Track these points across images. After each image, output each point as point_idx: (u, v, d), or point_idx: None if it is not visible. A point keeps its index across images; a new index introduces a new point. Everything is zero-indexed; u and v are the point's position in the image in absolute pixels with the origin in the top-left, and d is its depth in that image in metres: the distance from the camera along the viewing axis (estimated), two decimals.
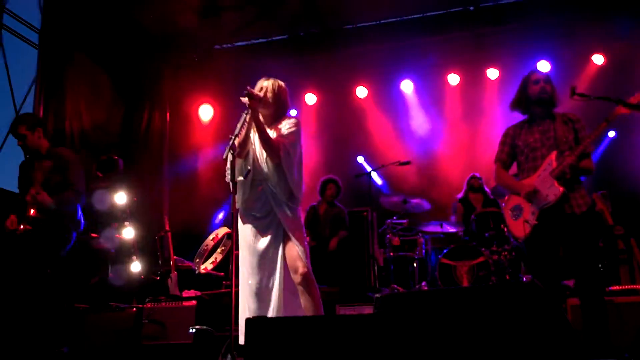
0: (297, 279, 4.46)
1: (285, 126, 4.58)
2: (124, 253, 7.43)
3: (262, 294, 4.51)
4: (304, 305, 4.48)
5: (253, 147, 4.62)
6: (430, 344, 3.39)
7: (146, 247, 7.75)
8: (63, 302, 5.79)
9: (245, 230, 4.62)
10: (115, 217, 7.57)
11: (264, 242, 4.54)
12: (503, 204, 5.05)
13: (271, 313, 4.48)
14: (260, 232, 4.55)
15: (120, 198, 7.59)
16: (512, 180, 4.87)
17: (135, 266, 7.45)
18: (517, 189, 4.76)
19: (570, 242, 4.52)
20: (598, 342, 4.41)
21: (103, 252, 6.98)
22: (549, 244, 4.58)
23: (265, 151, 4.47)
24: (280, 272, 4.51)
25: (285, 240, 4.51)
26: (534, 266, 4.77)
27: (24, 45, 8.44)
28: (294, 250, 4.46)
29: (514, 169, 5.02)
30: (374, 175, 8.53)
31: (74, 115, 8.50)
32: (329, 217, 8.09)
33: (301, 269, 4.42)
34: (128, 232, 7.54)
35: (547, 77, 4.84)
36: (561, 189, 4.49)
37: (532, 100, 4.79)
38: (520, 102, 4.88)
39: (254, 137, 4.62)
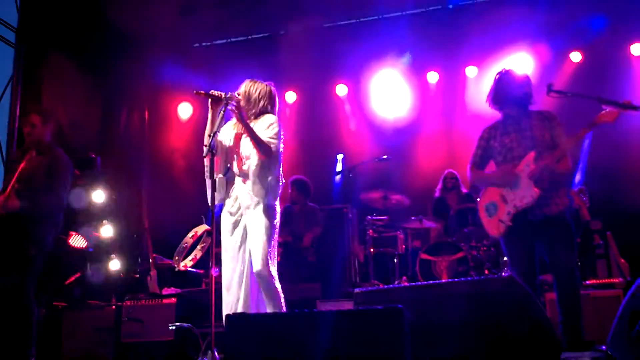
0: (256, 277, 4.52)
1: (267, 124, 4.65)
2: (102, 251, 7.39)
3: (232, 289, 4.60)
4: (266, 303, 4.55)
5: (230, 145, 4.71)
6: (408, 338, 3.41)
7: (125, 245, 7.71)
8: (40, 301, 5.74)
9: (224, 226, 4.71)
10: (93, 216, 7.53)
11: (235, 238, 4.64)
12: (479, 200, 5.07)
13: (239, 308, 4.52)
14: (233, 228, 4.65)
15: (98, 196, 7.55)
16: (487, 173, 4.87)
17: (114, 264, 7.41)
18: (495, 177, 4.76)
19: (547, 241, 4.57)
20: (573, 336, 4.49)
21: (81, 250, 6.93)
22: (524, 242, 4.62)
23: (257, 150, 4.52)
24: (248, 269, 4.58)
25: (252, 238, 4.55)
26: (511, 262, 4.81)
27: (1, 44, 8.37)
28: (257, 249, 4.50)
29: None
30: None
31: (51, 113, 8.42)
32: (303, 214, 8.09)
33: (258, 267, 4.46)
34: (106, 230, 7.50)
35: (523, 77, 4.83)
36: (537, 191, 4.50)
37: (509, 100, 4.77)
38: (496, 100, 4.85)
39: (231, 134, 4.75)
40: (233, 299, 4.58)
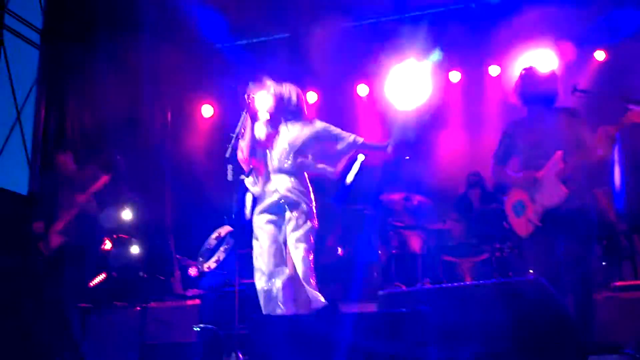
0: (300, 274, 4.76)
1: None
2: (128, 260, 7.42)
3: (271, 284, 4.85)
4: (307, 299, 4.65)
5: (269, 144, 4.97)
6: (432, 339, 3.40)
7: (149, 247, 7.75)
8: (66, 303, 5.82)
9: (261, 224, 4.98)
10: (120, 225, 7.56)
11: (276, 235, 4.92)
12: (505, 199, 5.01)
13: (280, 303, 4.71)
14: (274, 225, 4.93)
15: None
16: (510, 174, 4.80)
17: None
18: (517, 180, 4.70)
19: (565, 236, 4.49)
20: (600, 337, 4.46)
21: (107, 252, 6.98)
22: (551, 243, 4.55)
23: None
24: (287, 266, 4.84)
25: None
26: (537, 262, 4.74)
27: (26, 46, 8.45)
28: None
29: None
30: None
31: (76, 115, 8.51)
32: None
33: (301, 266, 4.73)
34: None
35: (549, 73, 4.77)
36: (566, 190, 4.41)
37: (534, 97, 4.71)
38: (522, 97, 4.79)
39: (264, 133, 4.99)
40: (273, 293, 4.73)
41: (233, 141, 4.68)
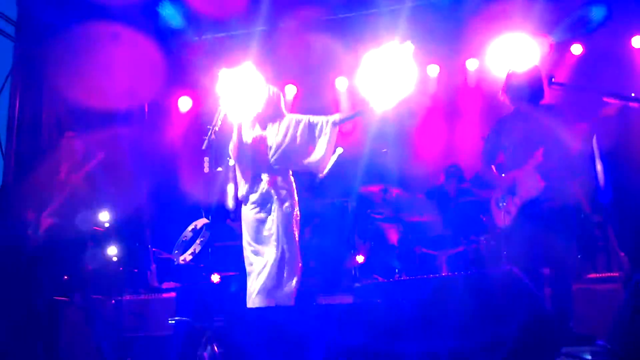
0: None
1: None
2: (101, 242, 7.36)
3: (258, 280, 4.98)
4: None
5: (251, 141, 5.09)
6: (408, 331, 3.41)
7: (124, 237, 7.70)
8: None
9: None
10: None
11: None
12: (487, 194, 5.11)
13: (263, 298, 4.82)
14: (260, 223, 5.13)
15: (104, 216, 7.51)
16: (496, 175, 4.98)
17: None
18: (498, 181, 4.91)
19: (547, 233, 4.58)
20: (574, 328, 4.53)
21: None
22: (528, 234, 4.65)
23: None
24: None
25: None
26: (513, 254, 4.93)
27: (0, 38, 8.34)
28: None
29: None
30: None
31: (51, 108, 8.41)
32: None
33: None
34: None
35: (534, 72, 4.88)
36: (543, 183, 4.57)
37: (520, 96, 4.83)
38: (508, 96, 4.92)
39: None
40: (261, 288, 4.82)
41: (210, 134, 4.69)
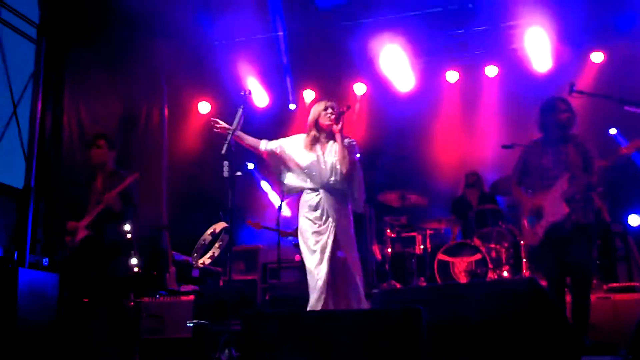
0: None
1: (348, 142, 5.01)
2: (122, 247, 7.40)
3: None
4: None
5: (319, 160, 4.93)
6: (426, 339, 3.39)
7: (144, 241, 7.72)
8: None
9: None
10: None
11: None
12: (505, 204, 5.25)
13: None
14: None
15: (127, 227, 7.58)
16: (523, 195, 5.31)
17: (134, 260, 7.39)
18: (524, 204, 5.25)
19: (572, 250, 4.94)
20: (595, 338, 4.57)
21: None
22: (555, 254, 5.01)
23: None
24: None
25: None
26: (543, 269, 5.41)
27: (22, 40, 8.42)
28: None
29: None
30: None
31: (72, 110, 8.48)
32: None
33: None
34: (126, 227, 7.48)
35: (569, 105, 5.18)
36: (567, 210, 4.92)
37: (552, 125, 5.16)
38: (545, 124, 5.24)
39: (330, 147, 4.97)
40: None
41: (229, 137, 4.69)
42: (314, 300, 4.68)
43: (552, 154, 5.11)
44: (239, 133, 4.92)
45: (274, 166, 5.07)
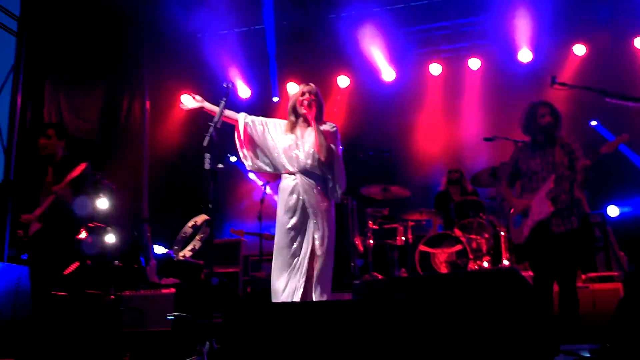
0: None
1: (328, 128, 4.93)
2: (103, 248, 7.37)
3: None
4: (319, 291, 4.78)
5: (297, 145, 4.88)
6: (407, 329, 3.40)
7: (125, 235, 7.70)
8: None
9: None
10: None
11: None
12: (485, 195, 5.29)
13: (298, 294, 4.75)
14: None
15: (102, 203, 7.51)
16: (512, 196, 5.48)
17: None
18: (513, 204, 5.40)
19: (561, 252, 5.07)
20: (571, 327, 4.63)
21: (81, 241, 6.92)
22: (543, 252, 5.15)
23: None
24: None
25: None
26: (530, 264, 5.53)
27: (2, 32, 8.35)
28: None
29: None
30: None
31: (53, 103, 8.42)
32: None
33: None
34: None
35: (551, 109, 5.31)
36: (552, 208, 5.08)
37: (539, 129, 5.28)
38: (529, 129, 5.38)
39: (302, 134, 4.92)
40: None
41: (211, 130, 4.65)
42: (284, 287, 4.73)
43: (540, 156, 5.28)
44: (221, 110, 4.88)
45: (247, 140, 4.99)
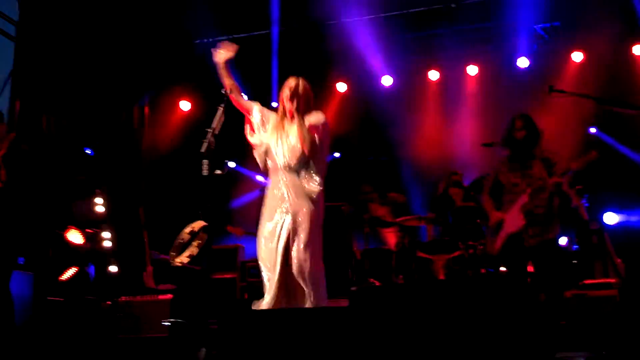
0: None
1: (315, 120, 4.81)
2: (100, 249, 7.35)
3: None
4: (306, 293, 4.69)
5: (281, 140, 4.80)
6: (404, 336, 3.40)
7: (122, 241, 7.70)
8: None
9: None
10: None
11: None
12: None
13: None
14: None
15: (99, 208, 7.51)
16: (491, 208, 5.53)
17: (113, 268, 7.34)
18: (489, 217, 5.50)
19: (538, 263, 5.23)
20: (569, 334, 4.66)
21: (78, 246, 6.91)
22: (517, 263, 5.28)
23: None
24: None
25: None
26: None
27: (1, 38, 8.36)
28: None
29: None
30: None
31: (52, 107, 8.44)
32: None
33: None
34: (105, 234, 7.44)
35: (527, 122, 5.35)
36: (523, 222, 5.17)
37: (517, 143, 5.33)
38: (507, 142, 5.42)
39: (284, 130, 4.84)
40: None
41: (208, 136, 4.64)
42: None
43: (520, 169, 5.34)
44: (235, 92, 4.83)
45: (258, 128, 4.95)
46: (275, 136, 4.84)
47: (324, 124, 4.82)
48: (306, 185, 4.74)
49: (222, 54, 4.90)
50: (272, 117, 4.97)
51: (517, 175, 5.33)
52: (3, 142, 5.24)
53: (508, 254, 5.29)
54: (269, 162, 4.88)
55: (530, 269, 5.47)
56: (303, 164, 4.77)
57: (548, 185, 5.15)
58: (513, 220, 5.24)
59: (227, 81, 4.86)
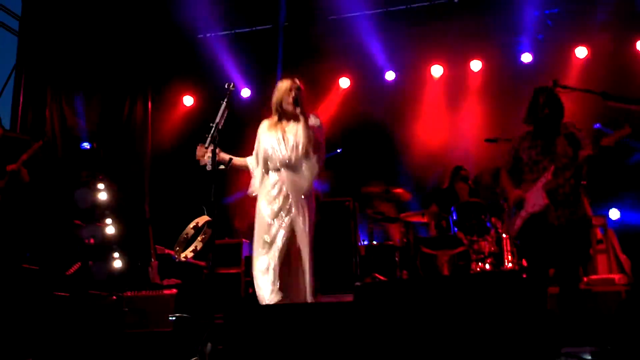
0: None
1: (314, 122, 4.94)
2: (105, 244, 7.35)
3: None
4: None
5: (283, 140, 4.87)
6: (409, 331, 3.41)
7: (127, 236, 7.70)
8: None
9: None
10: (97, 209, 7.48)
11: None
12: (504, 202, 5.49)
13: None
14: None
15: (102, 194, 7.50)
16: (510, 186, 5.25)
17: (117, 263, 7.35)
18: (508, 195, 5.22)
19: (560, 246, 4.88)
20: (574, 329, 4.59)
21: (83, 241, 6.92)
22: (539, 244, 4.97)
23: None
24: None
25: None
26: (525, 258, 5.41)
27: (5, 33, 8.38)
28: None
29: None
30: None
31: (54, 103, 8.45)
32: None
33: None
34: (109, 229, 7.44)
35: (551, 98, 5.10)
36: (546, 201, 4.91)
37: (540, 118, 5.07)
38: (529, 118, 5.17)
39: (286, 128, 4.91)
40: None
41: (213, 131, 4.66)
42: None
43: (541, 146, 5.09)
44: (232, 159, 4.95)
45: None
46: (274, 137, 4.89)
47: (321, 126, 4.97)
48: (304, 183, 4.84)
49: (205, 159, 4.85)
50: (264, 124, 5.03)
51: (539, 151, 5.08)
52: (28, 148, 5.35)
53: (529, 235, 5.03)
54: (269, 164, 4.93)
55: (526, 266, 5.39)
56: (302, 162, 4.85)
57: (579, 159, 4.88)
58: (535, 199, 4.99)
59: (237, 162, 5.04)
